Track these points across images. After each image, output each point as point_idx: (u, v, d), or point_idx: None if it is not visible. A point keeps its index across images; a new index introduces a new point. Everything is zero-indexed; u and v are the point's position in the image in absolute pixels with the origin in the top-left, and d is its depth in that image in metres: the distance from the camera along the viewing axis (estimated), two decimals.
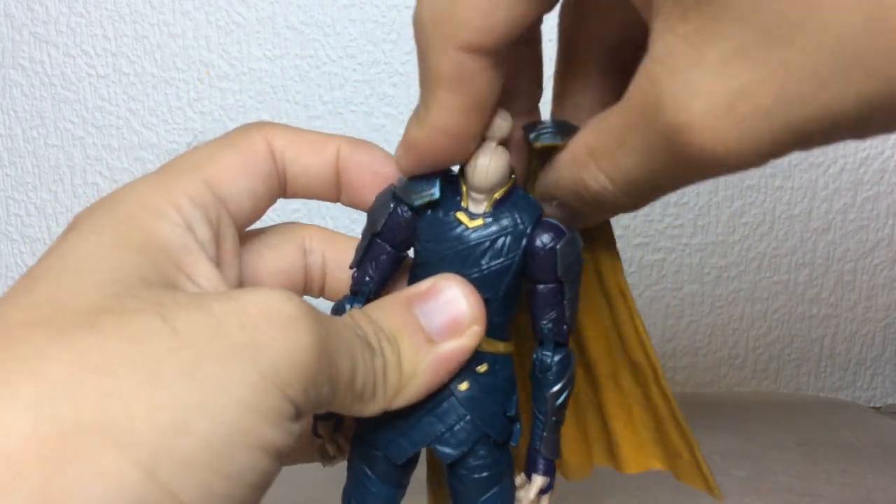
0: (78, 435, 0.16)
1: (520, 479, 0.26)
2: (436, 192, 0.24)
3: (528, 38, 0.25)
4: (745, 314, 0.62)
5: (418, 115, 0.24)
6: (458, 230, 0.24)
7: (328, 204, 0.28)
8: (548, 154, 0.24)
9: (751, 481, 0.44)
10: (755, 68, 0.17)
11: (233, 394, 0.17)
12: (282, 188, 0.26)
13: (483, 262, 0.24)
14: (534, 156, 0.26)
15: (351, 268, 0.26)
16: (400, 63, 0.58)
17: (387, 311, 0.23)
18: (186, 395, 0.17)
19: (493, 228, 0.24)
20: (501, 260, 0.24)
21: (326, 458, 0.26)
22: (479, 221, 0.24)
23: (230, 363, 0.18)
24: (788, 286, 0.62)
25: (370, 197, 0.26)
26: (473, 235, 0.24)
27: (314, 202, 0.57)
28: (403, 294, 0.24)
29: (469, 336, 0.23)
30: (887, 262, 0.62)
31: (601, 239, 0.27)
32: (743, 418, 0.54)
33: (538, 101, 0.27)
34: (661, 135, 0.19)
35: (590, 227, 0.26)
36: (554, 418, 0.25)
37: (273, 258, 0.27)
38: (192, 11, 0.59)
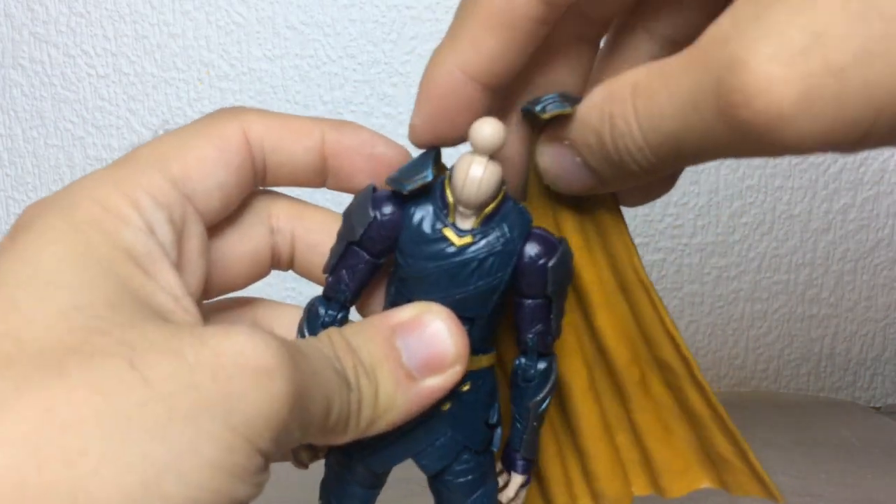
0: (42, 503, 0.15)
1: (501, 478, 0.26)
2: (429, 174, 0.22)
3: (587, 35, 0.24)
4: (745, 314, 0.62)
5: (440, 50, 0.22)
6: (445, 248, 0.22)
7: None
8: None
9: None
10: (842, 12, 0.15)
11: (204, 454, 0.17)
12: (259, 178, 0.24)
13: (470, 282, 0.23)
14: (533, 160, 0.25)
15: (324, 272, 0.25)
16: (400, 63, 0.58)
17: (368, 339, 0.22)
18: (157, 455, 0.16)
19: (482, 246, 0.22)
20: (490, 279, 0.23)
21: (301, 465, 0.26)
22: (468, 239, 0.22)
23: (202, 420, 0.17)
24: (788, 286, 0.62)
25: (360, 180, 0.25)
26: (461, 254, 0.22)
27: None
28: (386, 322, 0.23)
29: (450, 375, 0.23)
30: (887, 262, 0.62)
31: (608, 217, 0.24)
32: (743, 418, 0.54)
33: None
34: (714, 76, 0.17)
35: (597, 203, 0.24)
36: (535, 423, 0.25)
37: (238, 241, 0.25)
38: (192, 11, 0.59)
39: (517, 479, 0.25)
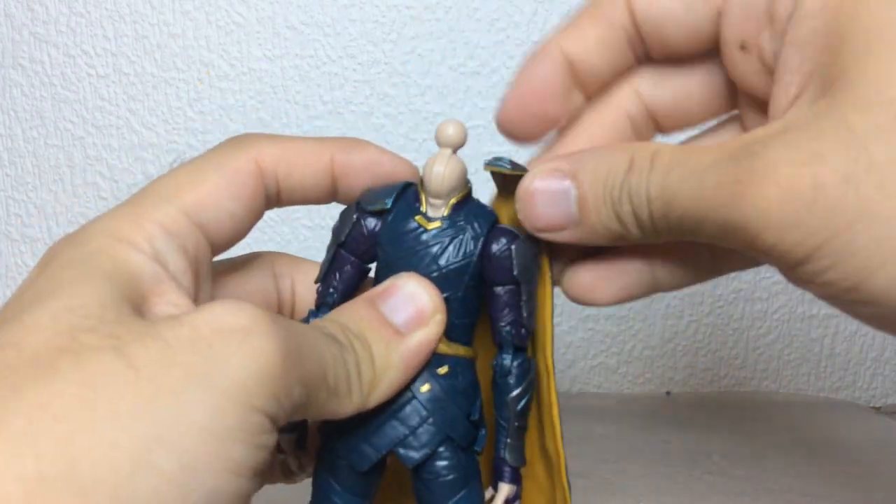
0: (42, 488, 0.16)
1: (488, 492, 0.26)
2: (389, 202, 0.25)
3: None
4: (745, 314, 0.62)
5: (547, 37, 0.25)
6: (417, 231, 0.25)
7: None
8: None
9: (751, 481, 0.44)
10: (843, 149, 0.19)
11: (192, 421, 0.17)
12: (272, 201, 0.26)
13: (441, 262, 0.25)
14: (499, 184, 0.27)
15: (316, 282, 0.26)
16: (400, 63, 0.58)
17: (351, 311, 0.24)
18: (145, 430, 0.17)
19: (450, 230, 0.25)
20: (459, 260, 0.25)
21: (288, 475, 0.26)
22: (437, 224, 0.25)
23: (188, 390, 0.17)
24: (788, 286, 0.62)
25: None
26: (431, 236, 0.25)
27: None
28: (365, 295, 0.24)
29: (435, 324, 0.24)
30: None
31: (544, 285, 0.27)
32: (743, 418, 0.54)
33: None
34: (733, 179, 0.20)
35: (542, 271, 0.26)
36: (516, 423, 0.25)
37: (245, 284, 0.27)
38: (192, 11, 0.59)
39: (504, 489, 0.25)
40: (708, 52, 0.26)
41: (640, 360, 0.61)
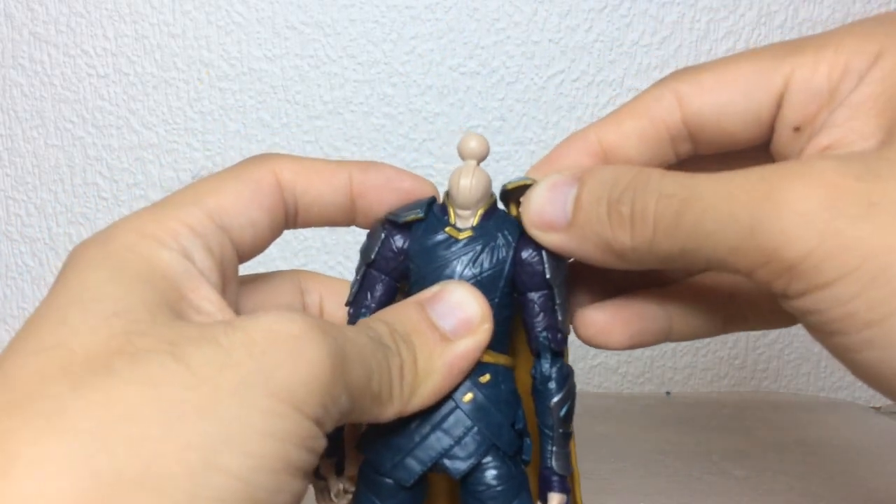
0: (117, 487, 0.16)
1: None
2: (422, 211, 0.25)
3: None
4: None
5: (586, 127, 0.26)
6: (448, 242, 0.25)
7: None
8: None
9: (751, 481, 0.44)
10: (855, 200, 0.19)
11: (253, 424, 0.18)
12: (290, 219, 0.26)
13: (476, 269, 0.25)
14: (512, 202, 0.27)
15: (347, 304, 0.26)
16: (400, 63, 0.58)
17: (400, 312, 0.24)
18: (211, 431, 0.17)
19: (481, 238, 0.25)
20: (493, 266, 0.25)
21: (329, 502, 0.26)
22: (468, 233, 0.25)
23: (246, 394, 0.18)
24: None
25: None
26: (462, 245, 0.25)
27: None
28: (414, 298, 0.24)
29: (482, 332, 0.24)
30: None
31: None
32: (743, 418, 0.54)
33: None
34: (771, 172, 0.20)
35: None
36: (560, 430, 0.25)
37: (273, 297, 0.27)
38: (192, 11, 0.59)
39: (555, 499, 0.25)
40: (761, 141, 0.25)
41: (640, 360, 0.61)
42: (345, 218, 0.27)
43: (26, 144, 0.61)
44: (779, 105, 0.24)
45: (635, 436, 0.50)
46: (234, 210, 0.24)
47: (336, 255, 0.61)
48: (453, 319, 0.24)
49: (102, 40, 0.59)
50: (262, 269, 0.28)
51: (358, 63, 0.59)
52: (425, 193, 0.26)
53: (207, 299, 0.22)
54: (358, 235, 0.27)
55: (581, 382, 0.26)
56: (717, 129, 0.25)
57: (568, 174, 0.25)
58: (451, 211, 0.26)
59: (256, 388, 0.18)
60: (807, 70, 0.24)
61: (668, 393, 0.61)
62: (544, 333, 0.25)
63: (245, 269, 0.26)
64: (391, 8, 0.58)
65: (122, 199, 0.61)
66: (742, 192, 0.20)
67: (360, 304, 0.26)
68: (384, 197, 0.26)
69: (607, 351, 0.61)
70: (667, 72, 0.27)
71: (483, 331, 0.24)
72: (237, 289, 0.25)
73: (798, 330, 0.62)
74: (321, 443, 0.19)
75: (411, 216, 0.25)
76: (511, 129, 0.58)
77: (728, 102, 0.25)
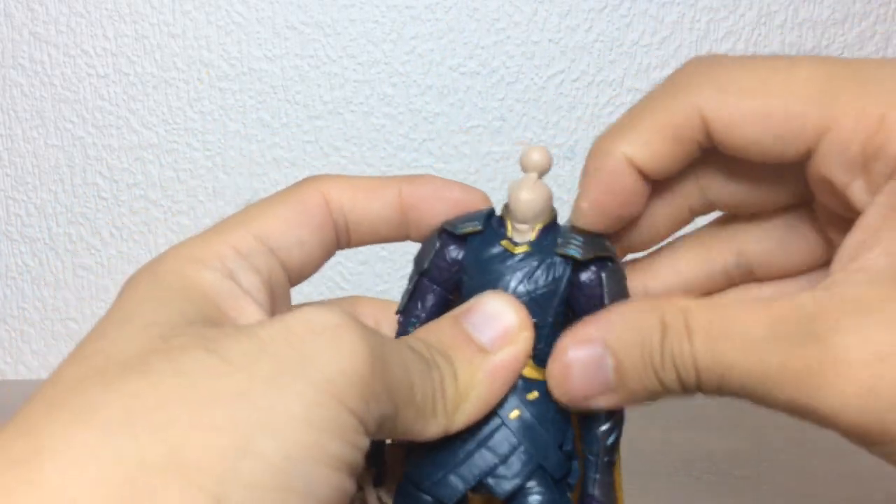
0: (143, 472, 0.16)
1: None
2: (480, 224, 0.25)
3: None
4: None
5: (609, 137, 0.24)
6: (504, 256, 0.24)
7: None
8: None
9: (751, 481, 0.44)
10: None
11: (289, 410, 0.17)
12: (342, 237, 0.26)
13: (530, 286, 0.24)
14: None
15: (397, 313, 0.26)
16: (400, 63, 0.58)
17: (435, 329, 0.23)
18: (244, 415, 0.17)
19: (538, 254, 0.24)
20: (547, 285, 0.24)
21: None
22: (525, 248, 0.24)
23: (282, 380, 0.18)
24: None
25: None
26: (518, 260, 0.24)
27: None
28: (449, 313, 0.24)
29: (522, 341, 0.23)
30: None
31: None
32: (743, 418, 0.54)
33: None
34: (803, 365, 0.20)
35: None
36: (606, 458, 0.24)
37: None
38: (192, 11, 0.59)
39: None
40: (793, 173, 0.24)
41: None
42: (397, 233, 0.26)
43: (26, 144, 0.61)
44: (808, 158, 0.23)
45: (635, 436, 0.50)
46: (280, 231, 0.24)
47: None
48: (490, 331, 0.23)
49: (102, 40, 0.59)
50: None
51: (358, 63, 0.59)
52: (475, 202, 0.26)
53: (253, 317, 0.22)
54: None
55: None
56: (742, 156, 0.24)
57: (585, 338, 0.23)
58: (508, 224, 0.25)
59: (294, 375, 0.18)
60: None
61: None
62: None
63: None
64: (391, 8, 0.58)
65: (122, 199, 0.61)
66: (780, 378, 0.21)
67: (410, 313, 0.25)
68: (435, 208, 0.26)
69: None
70: (667, 72, 0.26)
71: (522, 339, 0.23)
72: (289, 307, 0.25)
73: None
74: (362, 440, 0.19)
75: (469, 228, 0.25)
76: (511, 129, 0.58)
77: (754, 142, 0.23)
